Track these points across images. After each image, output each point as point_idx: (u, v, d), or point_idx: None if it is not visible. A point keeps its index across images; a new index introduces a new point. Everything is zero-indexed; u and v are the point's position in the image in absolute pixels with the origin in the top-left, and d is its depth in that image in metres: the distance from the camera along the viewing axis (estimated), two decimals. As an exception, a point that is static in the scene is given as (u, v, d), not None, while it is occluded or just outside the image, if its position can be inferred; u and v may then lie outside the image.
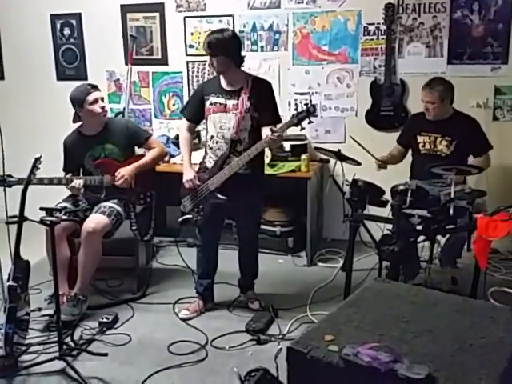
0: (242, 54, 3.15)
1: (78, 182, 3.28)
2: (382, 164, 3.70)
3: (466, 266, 3.48)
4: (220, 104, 3.14)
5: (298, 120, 2.87)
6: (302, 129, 2.90)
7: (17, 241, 2.65)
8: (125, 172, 3.40)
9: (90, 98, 3.34)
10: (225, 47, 3.03)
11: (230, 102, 3.12)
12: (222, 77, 3.17)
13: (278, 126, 3.03)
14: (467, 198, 2.96)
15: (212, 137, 3.20)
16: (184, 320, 3.27)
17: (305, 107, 2.86)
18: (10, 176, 3.17)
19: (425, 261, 3.26)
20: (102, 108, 3.41)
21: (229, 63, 3.07)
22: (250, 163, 3.08)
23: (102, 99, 3.45)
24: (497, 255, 4.05)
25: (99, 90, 3.44)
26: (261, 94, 3.11)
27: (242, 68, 3.19)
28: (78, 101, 3.35)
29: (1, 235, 2.98)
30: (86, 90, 3.36)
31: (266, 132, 3.02)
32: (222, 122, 3.13)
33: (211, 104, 3.16)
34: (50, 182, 3.26)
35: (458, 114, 3.59)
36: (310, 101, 2.97)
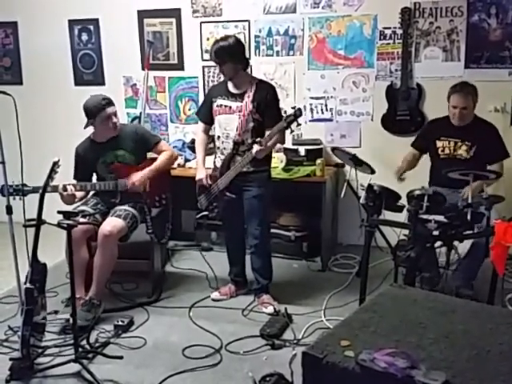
0: (247, 56, 3.35)
1: (70, 188, 3.25)
2: (401, 176, 3.70)
3: (483, 272, 3.44)
4: (225, 106, 3.31)
5: (287, 124, 3.06)
6: (292, 131, 3.12)
7: (34, 244, 2.67)
8: (135, 179, 3.43)
9: (104, 114, 3.35)
10: (231, 53, 3.19)
11: (235, 104, 3.28)
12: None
13: (267, 133, 3.17)
14: (485, 203, 2.93)
15: (218, 137, 3.39)
16: (214, 300, 3.53)
17: (292, 111, 3.05)
18: (24, 185, 3.19)
19: (442, 267, 3.23)
20: (114, 124, 3.42)
21: (237, 68, 3.24)
22: (254, 161, 3.23)
23: (116, 114, 3.43)
24: (515, 261, 3.99)
25: (113, 105, 3.42)
26: (264, 97, 3.26)
27: (251, 71, 3.31)
28: (90, 114, 3.36)
29: (19, 238, 3.03)
30: (101, 105, 3.33)
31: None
32: (227, 123, 3.31)
33: (218, 106, 3.35)
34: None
35: (478, 120, 3.56)
36: (295, 106, 3.13)
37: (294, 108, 3.07)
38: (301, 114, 3.07)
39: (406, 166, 3.75)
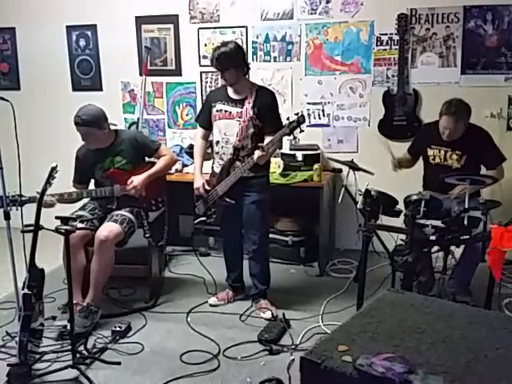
0: (247, 62, 3.32)
1: (49, 199, 3.19)
2: (398, 165, 3.68)
3: (480, 277, 3.45)
4: (225, 111, 3.31)
5: (289, 130, 3.06)
6: (295, 138, 3.15)
7: (32, 249, 2.67)
8: (137, 182, 3.42)
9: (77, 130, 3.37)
10: (233, 59, 3.19)
11: (235, 110, 3.27)
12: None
13: (268, 139, 3.16)
14: (481, 208, 2.94)
15: (218, 142, 3.37)
16: (212, 306, 3.54)
17: (295, 117, 3.04)
18: (21, 196, 3.18)
19: (438, 271, 3.23)
20: (90, 144, 3.44)
21: (238, 74, 3.23)
22: (254, 167, 3.23)
23: (87, 135, 3.36)
24: (511, 266, 4.00)
25: (85, 126, 3.31)
26: (264, 103, 3.26)
27: (248, 77, 3.36)
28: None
29: (16, 244, 3.02)
30: (74, 121, 3.31)
31: (268, 140, 3.18)
32: (226, 129, 3.30)
33: (217, 111, 3.34)
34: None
35: (470, 128, 3.48)
36: (301, 112, 3.12)
37: (297, 114, 3.06)
38: (304, 121, 3.06)
39: (403, 160, 3.74)
